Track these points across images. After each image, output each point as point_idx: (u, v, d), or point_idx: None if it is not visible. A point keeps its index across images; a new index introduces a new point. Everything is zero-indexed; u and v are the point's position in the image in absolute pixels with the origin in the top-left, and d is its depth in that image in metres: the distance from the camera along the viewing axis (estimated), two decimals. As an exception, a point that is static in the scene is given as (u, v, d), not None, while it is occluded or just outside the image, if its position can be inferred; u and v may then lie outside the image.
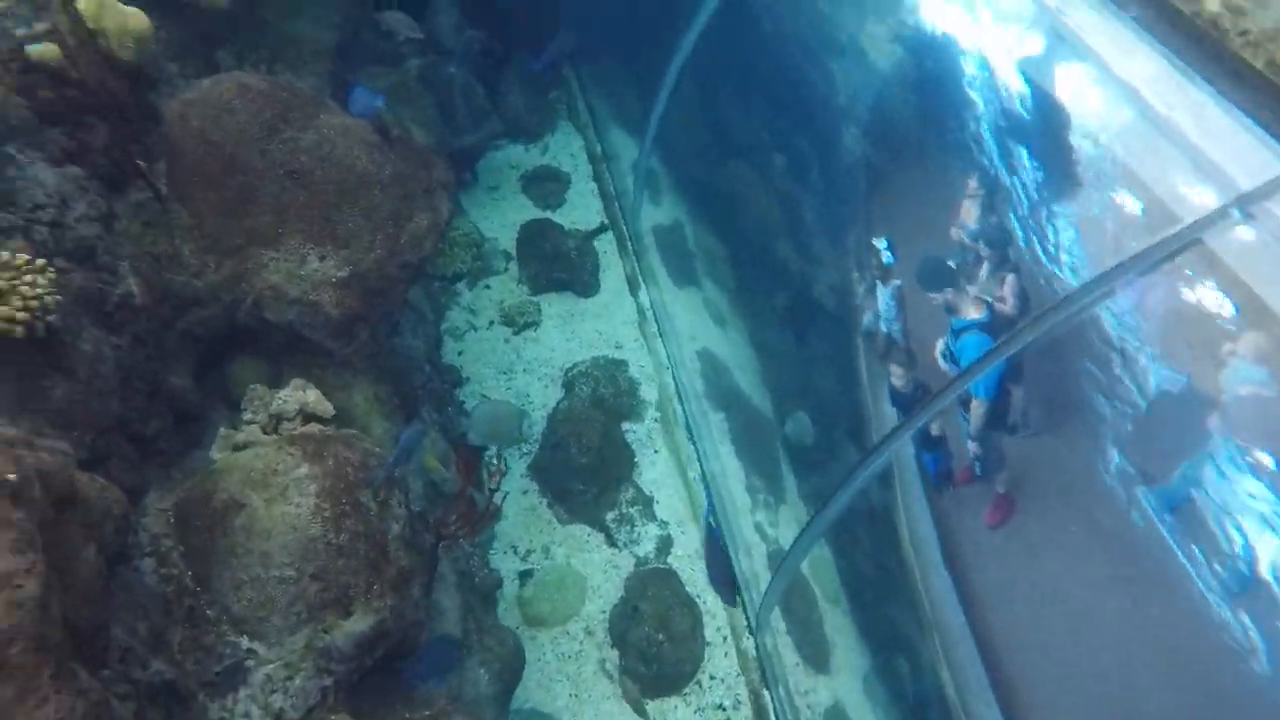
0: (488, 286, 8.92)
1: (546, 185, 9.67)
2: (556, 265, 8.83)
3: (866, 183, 8.08)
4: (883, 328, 8.21)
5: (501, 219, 9.38)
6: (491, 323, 8.63)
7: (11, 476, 2.36)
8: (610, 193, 9.45)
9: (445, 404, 7.37)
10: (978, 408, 6.43)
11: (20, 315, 3.77)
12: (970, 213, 8.03)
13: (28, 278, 3.85)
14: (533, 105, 10.08)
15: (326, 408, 5.47)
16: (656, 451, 7.78)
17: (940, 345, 7.29)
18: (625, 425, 7.84)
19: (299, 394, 5.48)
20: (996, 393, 6.37)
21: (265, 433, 5.37)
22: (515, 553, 7.16)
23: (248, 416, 5.47)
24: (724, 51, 7.62)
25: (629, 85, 9.87)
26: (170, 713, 3.60)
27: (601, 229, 9.25)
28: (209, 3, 6.43)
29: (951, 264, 7.17)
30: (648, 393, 8.11)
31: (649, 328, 8.40)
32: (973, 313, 7.01)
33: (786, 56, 7.72)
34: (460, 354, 8.32)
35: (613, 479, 7.42)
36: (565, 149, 10.17)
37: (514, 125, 9.96)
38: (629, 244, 8.96)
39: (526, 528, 7.29)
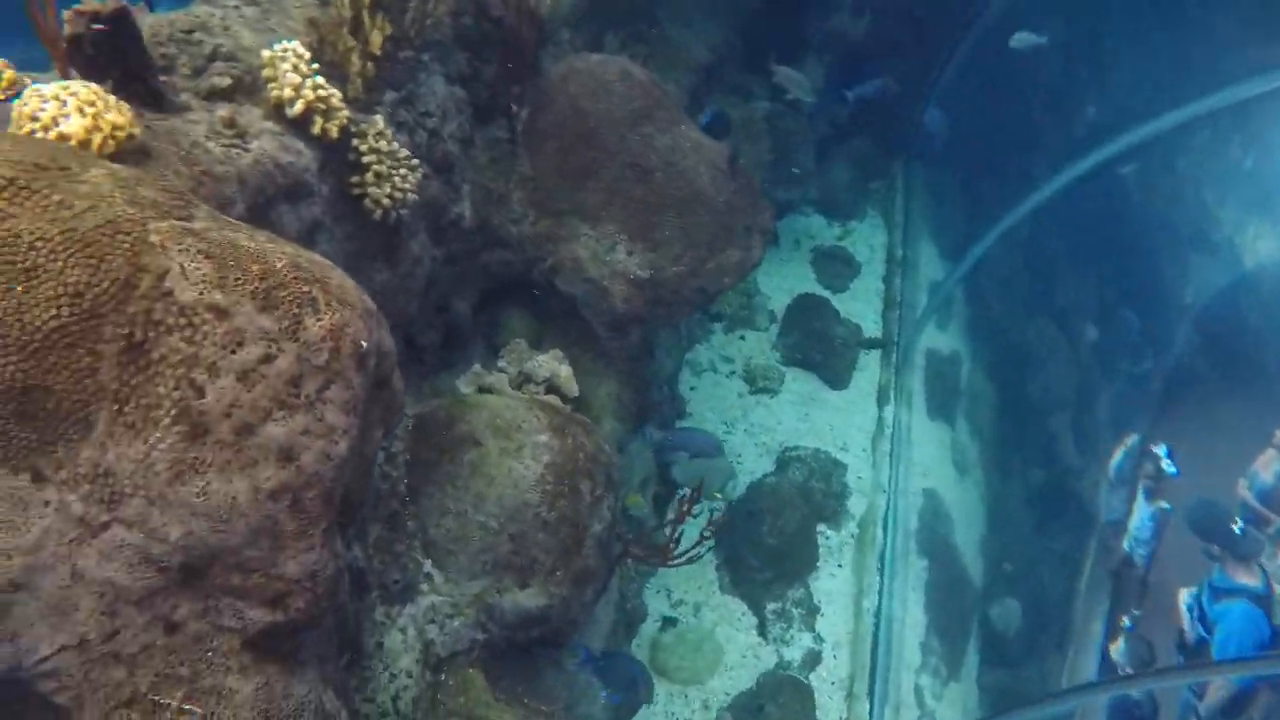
0: (743, 338, 8.87)
1: (836, 266, 9.54)
2: (816, 345, 8.65)
3: (1174, 385, 7.38)
4: (1127, 545, 7.42)
5: (780, 280, 9.33)
6: (733, 373, 8.57)
7: (364, 344, 2.48)
8: (895, 299, 9.18)
9: (665, 428, 7.36)
10: (1219, 690, 5.62)
11: (384, 201, 4.07)
12: (1269, 466, 7.13)
13: (402, 170, 4.15)
14: (853, 184, 10.01)
15: (573, 388, 5.58)
16: (841, 566, 7.40)
17: (1187, 595, 6.48)
18: (821, 526, 7.53)
19: (554, 364, 5.62)
20: (1250, 685, 5.54)
21: (511, 386, 5.54)
22: (667, 597, 7.01)
23: (501, 364, 5.67)
24: (1080, 212, 7.22)
25: (958, 205, 9.59)
26: (349, 598, 3.71)
27: (874, 343, 8.93)
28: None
29: (1236, 523, 6.37)
30: (855, 505, 7.75)
31: (883, 444, 8.04)
32: (1245, 577, 6.19)
33: (1149, 238, 7.19)
34: (693, 389, 8.31)
35: (789, 572, 7.13)
36: (866, 239, 10.00)
37: (827, 197, 9.93)
38: (895, 356, 8.64)
39: (687, 580, 7.12)
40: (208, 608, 2.41)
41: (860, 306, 9.26)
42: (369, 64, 4.10)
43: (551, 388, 5.60)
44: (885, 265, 9.70)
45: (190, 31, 3.93)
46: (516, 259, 5.73)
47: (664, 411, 7.38)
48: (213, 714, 2.34)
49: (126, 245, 2.30)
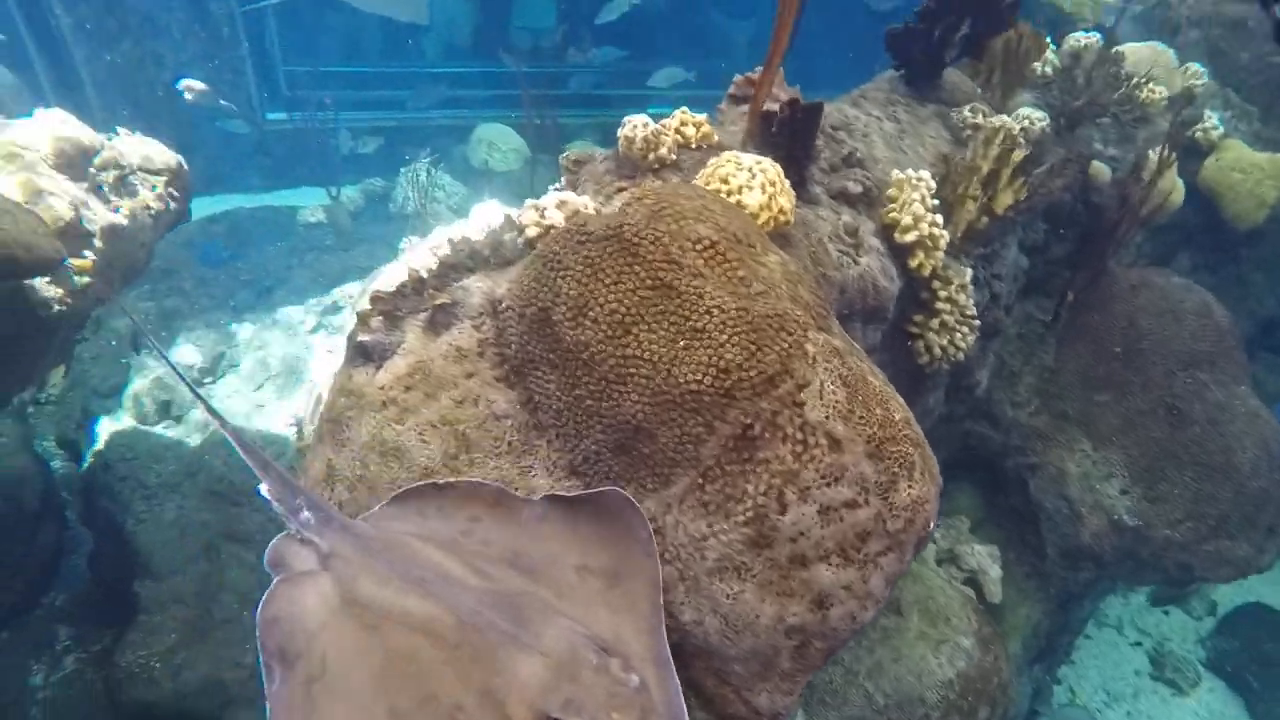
0: (1166, 613, 7.64)
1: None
2: (1256, 669, 7.18)
3: None
4: None
5: (1240, 576, 7.89)
6: (1139, 645, 7.40)
7: (932, 525, 2.36)
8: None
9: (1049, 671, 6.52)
10: None
11: (937, 352, 3.95)
12: None
13: (964, 329, 4.00)
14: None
15: (996, 596, 5.09)
16: None
17: None
18: None
19: (987, 560, 5.16)
20: None
21: (933, 560, 5.19)
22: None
23: (934, 534, 5.32)
24: None
25: None
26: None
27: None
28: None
29: None
30: None
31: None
32: None
33: None
34: (1088, 638, 7.30)
35: None
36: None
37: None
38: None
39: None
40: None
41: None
42: (985, 219, 4.01)
43: (972, 581, 5.16)
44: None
45: (837, 129, 4.10)
46: (998, 440, 5.36)
47: (1046, 659, 6.53)
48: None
49: (785, 344, 2.35)
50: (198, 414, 6.75)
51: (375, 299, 2.69)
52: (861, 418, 2.34)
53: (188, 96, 7.60)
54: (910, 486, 2.36)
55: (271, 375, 7.00)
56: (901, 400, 2.56)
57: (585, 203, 2.87)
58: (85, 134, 4.92)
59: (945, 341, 3.93)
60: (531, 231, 2.79)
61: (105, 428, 6.71)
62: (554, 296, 2.42)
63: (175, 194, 5.16)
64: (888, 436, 2.36)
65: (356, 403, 2.54)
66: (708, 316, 2.35)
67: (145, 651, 5.27)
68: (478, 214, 5.87)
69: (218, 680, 5.24)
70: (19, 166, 4.30)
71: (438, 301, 2.60)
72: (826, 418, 2.32)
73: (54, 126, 4.84)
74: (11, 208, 3.72)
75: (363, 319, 2.65)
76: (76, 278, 4.34)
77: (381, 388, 2.54)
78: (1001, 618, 5.22)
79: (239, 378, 7.02)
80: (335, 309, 7.61)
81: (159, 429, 6.63)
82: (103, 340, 6.83)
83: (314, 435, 2.67)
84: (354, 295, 7.66)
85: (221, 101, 7.81)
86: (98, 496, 6.14)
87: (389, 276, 7.33)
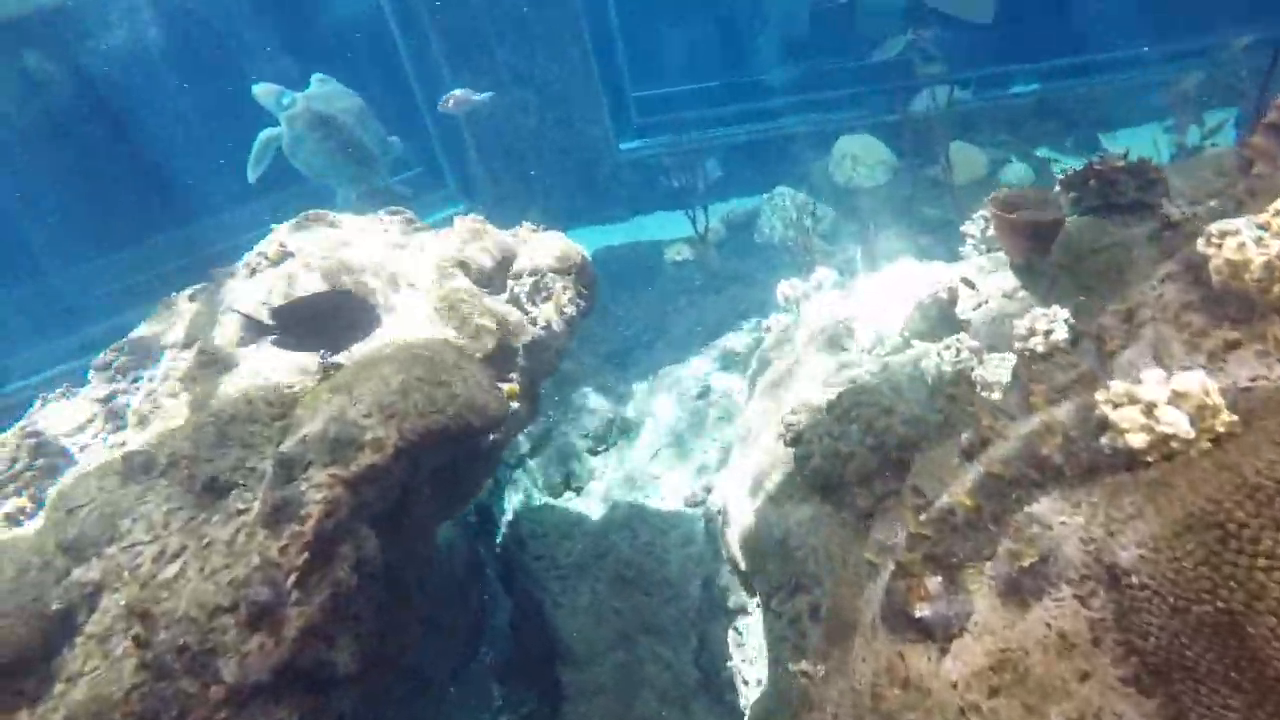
0: None
1: None
2: None
3: None
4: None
5: None
6: None
7: None
8: None
9: None
10: None
11: None
12: None
13: None
14: None
15: None
16: None
17: None
18: None
19: None
20: None
21: None
22: None
23: None
24: None
25: None
26: None
27: None
28: None
29: None
30: None
31: None
32: None
33: None
34: None
35: None
36: None
37: None
38: None
39: None
40: None
41: None
42: None
43: None
44: None
45: None
46: None
47: None
48: None
49: None
50: (596, 485, 6.72)
51: (915, 538, 2.05)
52: None
53: (449, 105, 7.55)
54: None
55: (664, 443, 6.80)
56: None
57: (1208, 388, 2.00)
58: (501, 240, 4.86)
59: None
60: (1135, 440, 1.98)
61: (511, 497, 6.90)
62: (1249, 599, 1.61)
63: (584, 290, 4.98)
64: None
65: (919, 702, 1.91)
66: None
67: (577, 747, 5.24)
68: (907, 296, 5.11)
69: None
70: (451, 296, 4.27)
71: (1022, 563, 1.89)
72: None
73: (473, 237, 4.83)
74: (457, 358, 3.60)
75: (908, 570, 2.02)
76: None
77: (954, 685, 1.89)
78: None
79: (631, 446, 6.91)
80: (722, 365, 7.24)
81: (562, 501, 6.68)
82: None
83: None
84: (744, 353, 7.25)
85: (475, 97, 7.70)
86: (515, 571, 6.29)
87: (776, 331, 6.80)
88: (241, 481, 3.29)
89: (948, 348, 4.67)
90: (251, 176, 7.21)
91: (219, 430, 3.42)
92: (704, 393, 7.10)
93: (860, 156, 9.61)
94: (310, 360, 4.09)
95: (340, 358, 4.01)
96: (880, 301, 5.75)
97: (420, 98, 10.93)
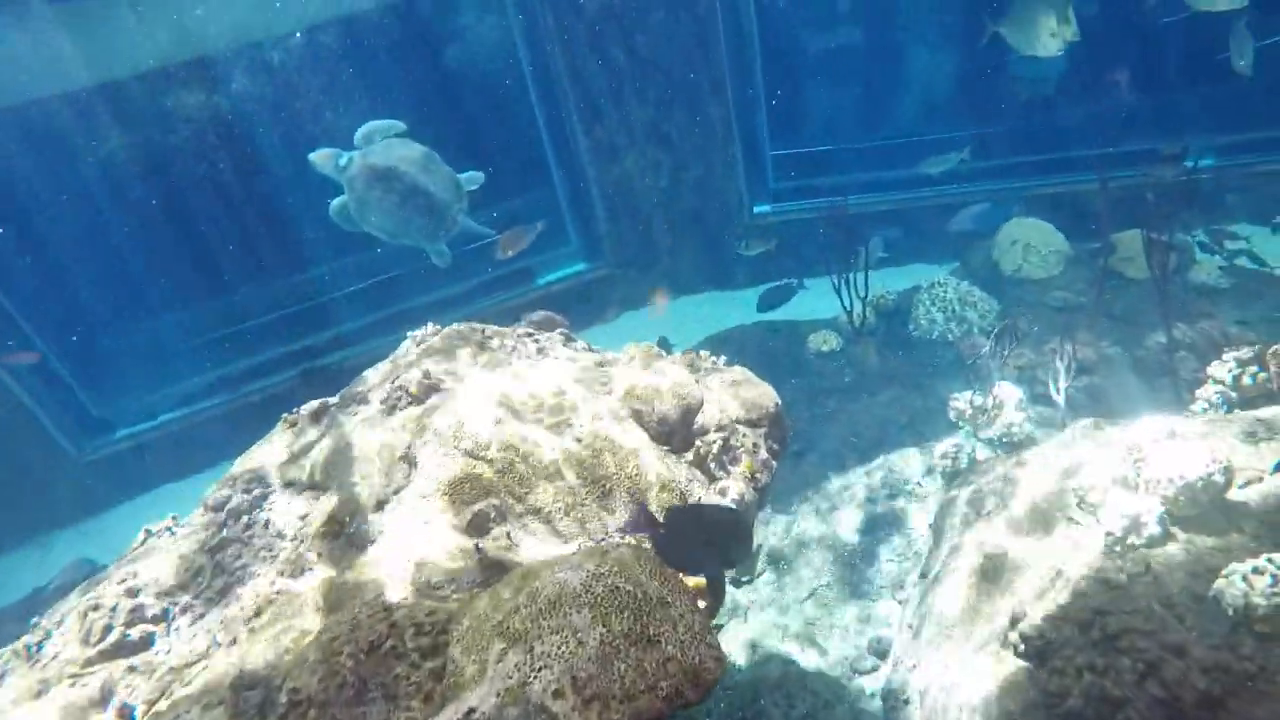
0: None
1: None
2: None
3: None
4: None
5: None
6: None
7: None
8: None
9: None
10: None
11: None
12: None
13: None
14: None
15: None
16: None
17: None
18: None
19: None
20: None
21: None
22: None
23: None
24: None
25: None
26: None
27: None
28: None
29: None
30: None
31: None
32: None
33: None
34: None
35: None
36: None
37: None
38: None
39: None
40: None
41: None
42: None
43: None
44: None
45: None
46: None
47: None
48: None
49: None
50: (738, 626, 5.82)
51: None
52: None
53: (508, 252, 6.70)
54: None
55: (823, 582, 5.85)
56: None
57: None
58: (688, 385, 4.02)
59: None
60: None
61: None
62: None
63: (775, 447, 4.11)
64: None
65: None
66: None
67: None
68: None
69: None
70: (637, 477, 3.45)
71: None
72: None
73: (659, 378, 4.01)
74: (662, 588, 2.76)
75: None
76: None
77: None
78: None
79: (781, 581, 5.97)
80: (888, 492, 6.26)
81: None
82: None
83: None
84: (913, 479, 6.27)
85: (528, 235, 6.79)
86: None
87: (969, 473, 5.79)
88: (383, 750, 2.51)
89: (1258, 572, 3.66)
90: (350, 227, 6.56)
91: (357, 668, 2.66)
92: (870, 524, 6.14)
93: (1033, 244, 8.55)
94: (465, 539, 3.33)
95: (501, 548, 3.23)
96: (1119, 466, 4.74)
97: (549, 151, 10.28)
